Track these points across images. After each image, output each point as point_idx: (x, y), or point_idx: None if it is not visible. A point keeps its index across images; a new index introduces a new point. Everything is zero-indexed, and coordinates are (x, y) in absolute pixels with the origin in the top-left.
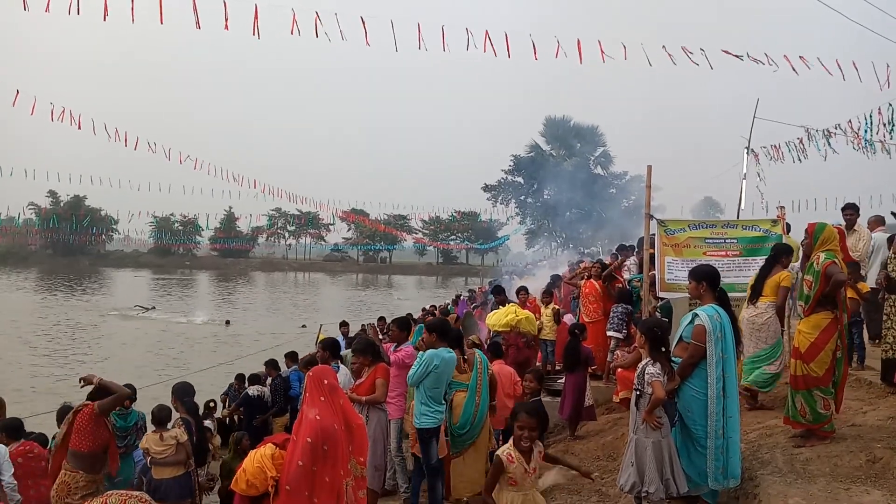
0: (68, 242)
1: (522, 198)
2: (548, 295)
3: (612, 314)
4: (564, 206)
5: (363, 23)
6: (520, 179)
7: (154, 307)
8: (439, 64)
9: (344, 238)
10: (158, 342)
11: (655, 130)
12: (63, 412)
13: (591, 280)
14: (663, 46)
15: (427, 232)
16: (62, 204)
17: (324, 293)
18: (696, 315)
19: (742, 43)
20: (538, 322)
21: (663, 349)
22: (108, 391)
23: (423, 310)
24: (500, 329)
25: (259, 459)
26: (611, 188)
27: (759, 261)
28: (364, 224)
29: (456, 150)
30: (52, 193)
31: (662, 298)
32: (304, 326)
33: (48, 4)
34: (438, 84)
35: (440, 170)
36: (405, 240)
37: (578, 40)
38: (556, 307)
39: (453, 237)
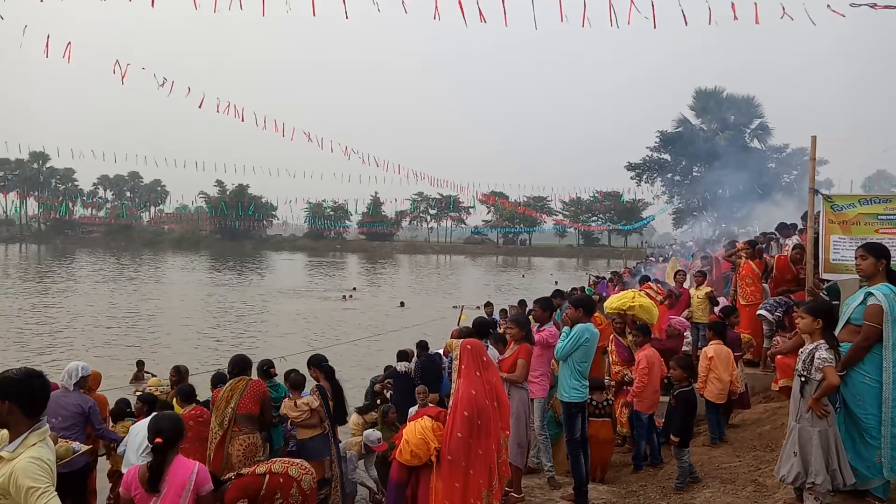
0: (234, 227)
1: (669, 176)
2: (700, 276)
3: (769, 297)
4: (716, 183)
5: (503, 2)
6: (667, 156)
7: (355, 288)
8: (579, 40)
9: (484, 221)
10: (350, 320)
11: (820, 99)
12: (219, 378)
13: (749, 261)
14: (828, 5)
15: (567, 213)
16: (228, 192)
17: (467, 275)
18: (871, 294)
19: None
20: (688, 309)
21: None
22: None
23: (564, 292)
24: (610, 312)
25: (421, 431)
26: (769, 162)
27: None
28: (504, 206)
29: (598, 128)
30: (220, 183)
31: (827, 280)
32: (488, 305)
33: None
34: (578, 61)
35: (581, 150)
36: (545, 221)
37: (733, 3)
38: (710, 290)
39: (595, 218)
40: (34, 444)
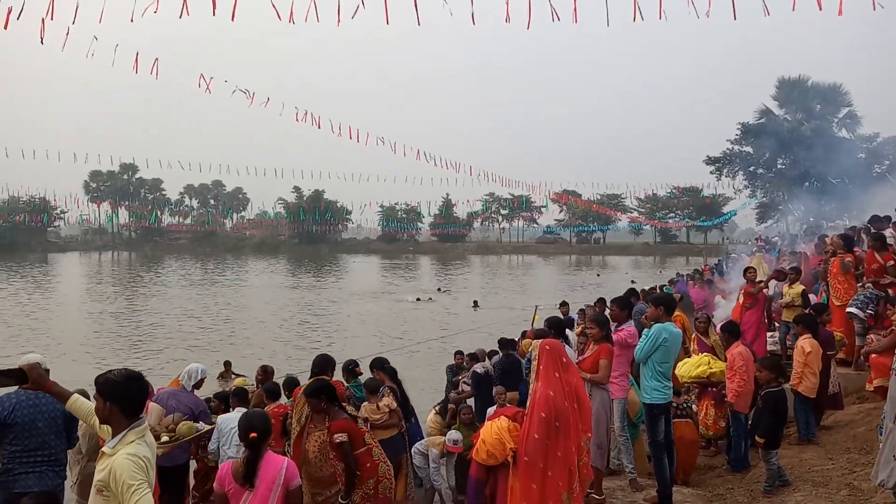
0: (311, 232)
1: (752, 169)
2: (794, 272)
3: (860, 293)
4: (802, 175)
5: (574, 1)
6: (748, 149)
7: (440, 289)
8: (652, 34)
9: (556, 220)
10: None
11: None
12: (290, 383)
13: (839, 257)
14: None
15: (643, 210)
16: (305, 198)
17: (540, 275)
18: None
19: None
20: (783, 301)
21: None
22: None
23: (643, 291)
24: (689, 381)
25: (497, 431)
26: (859, 153)
27: None
28: (576, 205)
29: (674, 123)
30: (297, 189)
31: None
32: (563, 305)
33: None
34: (650, 55)
35: (656, 146)
36: (619, 219)
37: None
38: (804, 288)
39: (672, 215)
40: (132, 442)
